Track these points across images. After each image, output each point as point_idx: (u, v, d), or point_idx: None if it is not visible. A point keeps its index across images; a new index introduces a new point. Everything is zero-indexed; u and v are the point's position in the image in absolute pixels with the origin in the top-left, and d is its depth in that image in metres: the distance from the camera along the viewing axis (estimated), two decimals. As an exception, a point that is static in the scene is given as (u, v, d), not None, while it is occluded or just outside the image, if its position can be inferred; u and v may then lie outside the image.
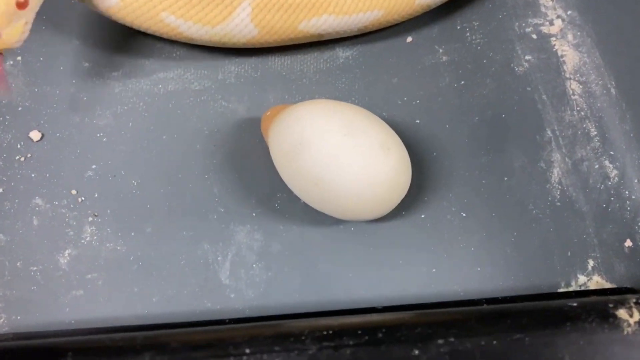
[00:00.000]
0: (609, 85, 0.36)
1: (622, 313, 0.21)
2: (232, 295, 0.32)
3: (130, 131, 0.35)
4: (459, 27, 0.38)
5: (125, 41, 0.37)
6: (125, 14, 0.33)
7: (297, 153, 0.29)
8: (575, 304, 0.21)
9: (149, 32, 0.34)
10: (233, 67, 0.36)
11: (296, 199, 0.33)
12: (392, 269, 0.32)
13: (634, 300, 0.21)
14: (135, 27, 0.34)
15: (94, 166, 0.34)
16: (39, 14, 0.35)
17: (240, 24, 0.33)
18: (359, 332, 0.24)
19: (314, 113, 0.30)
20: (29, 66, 0.36)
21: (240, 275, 0.32)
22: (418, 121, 0.36)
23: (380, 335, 0.23)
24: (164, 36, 0.34)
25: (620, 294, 0.30)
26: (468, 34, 0.38)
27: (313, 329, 0.25)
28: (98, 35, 0.37)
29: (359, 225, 0.33)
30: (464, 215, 0.33)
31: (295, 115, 0.30)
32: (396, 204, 0.30)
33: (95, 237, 0.32)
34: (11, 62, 0.36)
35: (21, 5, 0.29)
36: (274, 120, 0.32)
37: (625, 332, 0.21)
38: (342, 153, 0.29)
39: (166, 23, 0.33)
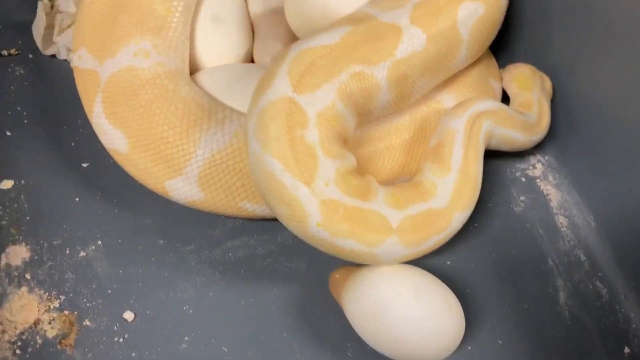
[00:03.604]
0: (588, 219, 0.45)
1: None
2: None
3: (211, 300, 0.39)
4: (464, 176, 0.46)
5: (191, 216, 0.42)
6: (207, 206, 0.38)
7: (377, 315, 0.36)
8: None
9: (224, 215, 0.39)
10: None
11: (365, 345, 0.39)
12: (454, 398, 0.39)
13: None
14: (213, 213, 0.39)
15: (186, 338, 0.38)
16: (110, 199, 0.39)
17: (305, 202, 0.39)
18: None
19: (387, 279, 0.37)
20: (110, 249, 0.40)
21: None
22: (449, 262, 0.43)
23: None
24: (238, 217, 0.40)
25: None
26: (473, 182, 0.46)
27: None
28: (166, 214, 0.41)
29: (421, 363, 0.39)
30: (500, 342, 0.41)
31: (370, 282, 0.37)
32: (456, 347, 0.37)
33: (200, 406, 0.36)
34: (93, 247, 0.40)
35: None
36: (347, 284, 0.38)
37: None
38: (415, 313, 0.35)
39: (244, 209, 0.38)
